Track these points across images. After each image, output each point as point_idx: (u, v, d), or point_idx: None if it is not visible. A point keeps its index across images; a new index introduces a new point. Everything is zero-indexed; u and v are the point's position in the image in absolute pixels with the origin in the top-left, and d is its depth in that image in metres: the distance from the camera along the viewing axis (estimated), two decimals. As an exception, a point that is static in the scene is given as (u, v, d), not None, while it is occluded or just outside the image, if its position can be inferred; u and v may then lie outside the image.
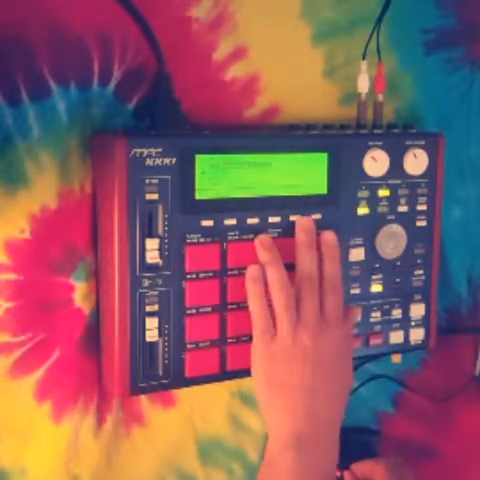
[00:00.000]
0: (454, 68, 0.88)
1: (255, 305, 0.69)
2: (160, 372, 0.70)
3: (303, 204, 0.74)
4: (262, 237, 0.70)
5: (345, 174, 0.75)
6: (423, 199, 0.80)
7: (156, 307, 0.69)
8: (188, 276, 0.69)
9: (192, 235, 0.69)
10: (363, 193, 0.76)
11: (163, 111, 0.71)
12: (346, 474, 0.82)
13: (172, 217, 0.68)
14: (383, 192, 0.77)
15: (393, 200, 0.78)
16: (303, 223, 0.71)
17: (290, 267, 0.72)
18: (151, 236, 0.67)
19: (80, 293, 0.71)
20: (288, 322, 0.68)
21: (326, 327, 0.69)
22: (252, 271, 0.69)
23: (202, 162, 0.68)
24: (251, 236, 0.71)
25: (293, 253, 0.73)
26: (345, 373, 0.71)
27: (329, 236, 0.72)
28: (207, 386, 0.74)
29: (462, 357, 0.95)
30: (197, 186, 0.69)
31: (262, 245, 0.70)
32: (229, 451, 0.82)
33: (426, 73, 0.86)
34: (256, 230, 0.72)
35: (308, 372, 0.67)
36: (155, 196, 0.67)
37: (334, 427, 0.68)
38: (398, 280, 0.80)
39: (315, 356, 0.68)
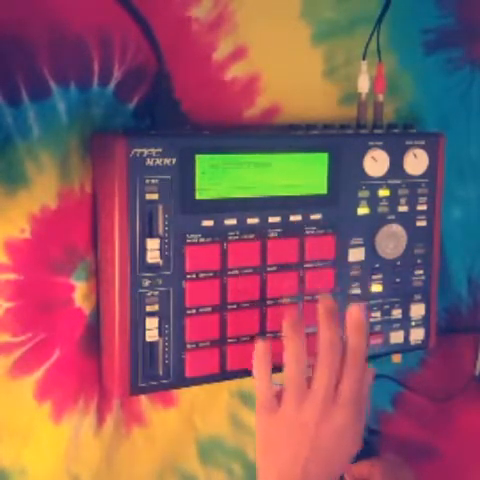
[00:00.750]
0: (454, 68, 0.88)
1: (258, 379, 0.66)
2: (160, 372, 0.70)
3: (303, 204, 0.74)
4: (291, 314, 0.66)
5: (345, 174, 0.75)
6: (423, 199, 0.80)
7: (156, 307, 0.69)
8: (188, 276, 0.69)
9: (192, 235, 0.69)
10: (363, 193, 0.76)
11: (163, 111, 0.71)
12: (346, 474, 0.82)
13: (172, 217, 0.68)
14: (383, 192, 0.77)
15: (393, 200, 0.78)
16: (324, 300, 0.67)
17: (286, 267, 0.72)
18: (151, 236, 0.67)
19: (80, 293, 0.71)
20: (293, 396, 0.65)
21: (333, 408, 0.65)
22: (260, 347, 0.66)
23: (202, 162, 0.68)
24: (251, 236, 0.71)
25: (293, 254, 0.73)
26: (343, 456, 0.67)
27: (355, 310, 0.67)
28: (207, 386, 0.74)
29: (462, 357, 0.95)
30: (197, 186, 0.69)
31: (288, 319, 0.66)
32: (229, 451, 0.82)
33: (426, 73, 0.86)
34: (256, 230, 0.72)
35: (303, 443, 0.65)
36: (155, 196, 0.67)
37: None
38: (398, 280, 0.80)
39: (315, 432, 0.65)
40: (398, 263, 0.79)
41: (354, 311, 0.67)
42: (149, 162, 0.66)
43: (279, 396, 0.66)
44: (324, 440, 0.65)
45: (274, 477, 0.66)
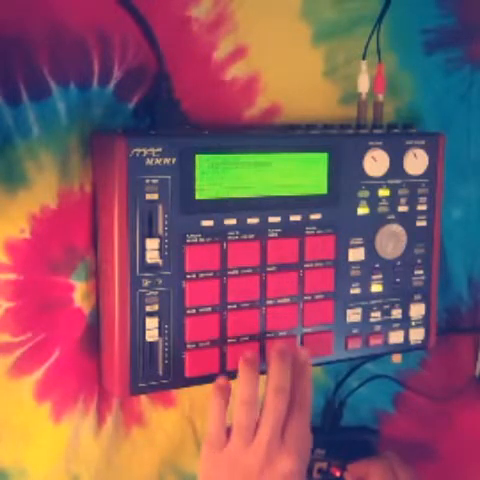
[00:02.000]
0: (454, 68, 0.87)
1: (212, 415, 0.67)
2: (160, 372, 0.70)
3: (303, 204, 0.74)
4: (247, 354, 0.67)
5: (345, 174, 0.75)
6: (423, 199, 0.80)
7: (156, 307, 0.69)
8: (188, 276, 0.69)
9: (192, 235, 0.69)
10: (363, 193, 0.76)
11: (163, 111, 0.71)
12: (346, 474, 0.82)
13: (172, 217, 0.68)
14: (383, 192, 0.77)
15: (393, 200, 0.78)
16: (277, 344, 0.68)
17: (286, 267, 0.72)
18: (151, 236, 0.67)
19: (80, 293, 0.71)
20: (239, 439, 0.65)
21: (279, 454, 0.64)
22: (220, 381, 0.67)
23: (202, 162, 0.68)
24: (251, 236, 0.71)
25: (293, 254, 0.73)
26: None
27: (303, 353, 0.68)
28: (207, 386, 0.74)
29: (462, 357, 0.95)
30: (197, 186, 0.69)
31: (244, 359, 0.67)
32: (229, 451, 0.82)
33: (426, 73, 0.86)
34: (256, 230, 0.72)
35: None
36: (155, 196, 0.67)
37: None
38: (398, 280, 0.80)
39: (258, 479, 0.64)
40: (398, 263, 0.79)
41: (300, 355, 0.68)
42: (149, 162, 0.66)
43: (228, 435, 0.66)
44: None
45: None
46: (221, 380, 0.68)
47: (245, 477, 0.65)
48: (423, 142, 0.78)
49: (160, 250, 0.68)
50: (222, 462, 0.66)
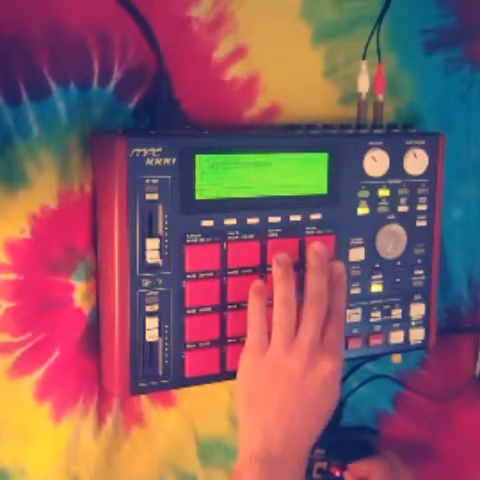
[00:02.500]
0: (454, 68, 0.87)
1: (252, 318, 0.69)
2: (160, 372, 0.70)
3: (303, 204, 0.74)
4: (280, 255, 0.70)
5: (345, 174, 0.75)
6: (423, 199, 0.80)
7: (156, 307, 0.69)
8: (188, 276, 0.69)
9: (192, 235, 0.69)
10: (363, 193, 0.76)
11: (163, 111, 0.71)
12: (346, 474, 0.82)
13: (172, 217, 0.68)
14: (383, 192, 0.77)
15: (393, 200, 0.78)
16: (317, 247, 0.71)
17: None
18: (151, 236, 0.67)
19: (80, 293, 0.71)
20: (281, 340, 0.67)
21: (320, 356, 0.67)
22: (256, 284, 0.70)
23: (202, 162, 0.68)
24: (251, 236, 0.71)
25: (293, 254, 0.73)
26: (326, 404, 0.69)
27: (339, 266, 0.71)
28: (207, 386, 0.74)
29: (462, 357, 0.95)
30: (197, 186, 0.68)
31: (278, 261, 0.70)
32: (229, 451, 0.82)
33: (426, 73, 0.86)
34: (256, 230, 0.72)
35: (290, 396, 0.67)
36: (155, 196, 0.67)
37: (303, 451, 0.67)
38: (398, 280, 0.80)
39: (301, 382, 0.67)
40: (398, 263, 0.79)
41: (336, 267, 0.71)
42: (149, 162, 0.66)
43: (269, 339, 0.68)
44: (309, 391, 0.67)
45: (258, 433, 0.66)
46: (258, 282, 0.70)
47: (288, 379, 0.67)
48: (423, 142, 0.78)
49: (160, 250, 0.68)
50: (264, 366, 0.68)
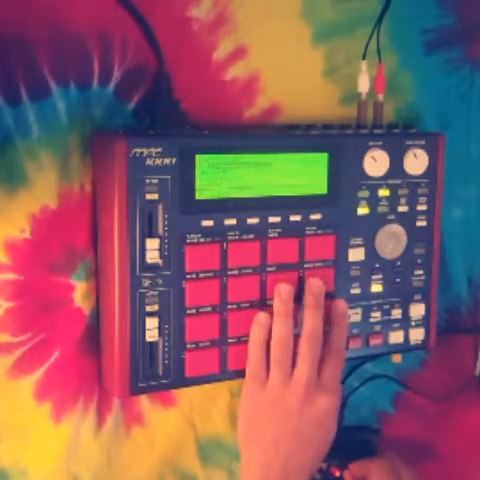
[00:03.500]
0: (454, 68, 0.87)
1: (252, 351, 0.71)
2: (160, 372, 0.70)
3: (303, 204, 0.74)
4: (283, 287, 0.71)
5: (345, 174, 0.75)
6: (423, 199, 0.80)
7: (156, 307, 0.69)
8: (188, 276, 0.69)
9: (192, 235, 0.69)
10: (363, 193, 0.76)
11: (163, 111, 0.71)
12: (346, 474, 0.82)
13: (172, 217, 0.68)
14: (383, 192, 0.77)
15: (393, 200, 0.78)
16: (313, 286, 0.72)
17: (286, 267, 0.72)
18: (151, 236, 0.67)
19: (80, 293, 0.71)
20: (278, 377, 0.69)
21: (316, 393, 0.69)
22: (260, 317, 0.71)
23: (202, 162, 0.68)
24: (251, 236, 0.71)
25: (293, 254, 0.73)
26: (323, 442, 0.71)
27: (341, 305, 0.73)
28: (207, 386, 0.74)
29: (462, 357, 0.95)
30: (197, 186, 0.68)
31: (280, 295, 0.71)
32: (229, 451, 0.82)
33: (426, 73, 0.86)
34: (256, 230, 0.72)
35: (287, 432, 0.69)
36: (155, 196, 0.67)
37: None
38: (398, 280, 0.80)
39: (297, 419, 0.69)
40: (398, 263, 0.79)
41: (339, 305, 0.73)
42: (149, 162, 0.66)
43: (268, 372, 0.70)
44: (305, 427, 0.69)
45: (257, 467, 0.69)
46: (261, 315, 0.71)
47: (285, 416, 0.69)
48: (423, 142, 0.78)
49: (160, 250, 0.68)
50: (262, 401, 0.70)
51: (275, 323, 0.70)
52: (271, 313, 0.71)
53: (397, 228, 0.78)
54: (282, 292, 0.71)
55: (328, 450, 0.72)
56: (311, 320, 0.70)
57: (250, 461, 0.70)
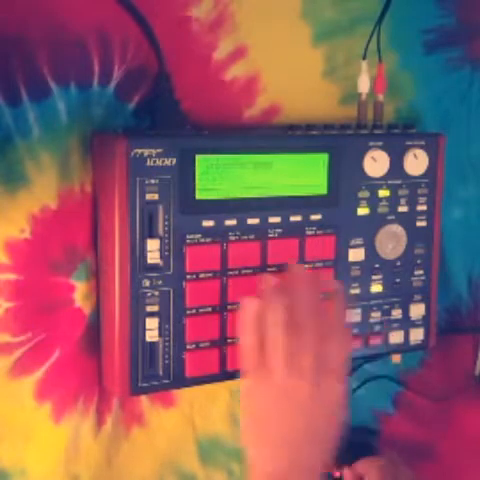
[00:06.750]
0: (454, 68, 0.87)
1: (247, 341, 0.65)
2: (160, 372, 0.70)
3: (303, 204, 0.74)
4: (268, 278, 0.67)
5: (345, 174, 0.75)
6: (423, 199, 0.80)
7: (156, 307, 0.69)
8: (188, 276, 0.69)
9: (192, 235, 0.69)
10: (363, 193, 0.76)
11: (163, 111, 0.71)
12: (345, 473, 0.82)
13: (172, 217, 0.68)
14: (383, 192, 0.77)
15: (393, 200, 0.78)
16: (299, 269, 0.69)
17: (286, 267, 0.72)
18: (151, 236, 0.67)
19: (80, 293, 0.71)
20: (282, 364, 0.63)
21: (324, 378, 0.64)
22: (249, 304, 0.65)
23: (202, 162, 0.68)
24: (251, 236, 0.71)
25: (293, 254, 0.73)
26: (333, 429, 0.65)
27: (334, 284, 0.71)
28: (207, 386, 0.74)
29: (462, 357, 0.95)
30: (197, 186, 0.68)
31: (267, 282, 0.67)
32: (229, 451, 0.82)
33: (426, 73, 0.86)
34: (256, 230, 0.72)
35: (297, 424, 0.64)
36: (155, 196, 0.67)
37: (312, 477, 0.65)
38: (398, 280, 0.80)
39: (308, 409, 0.63)
40: (398, 263, 0.79)
41: (331, 283, 0.70)
42: (149, 162, 0.66)
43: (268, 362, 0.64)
44: (317, 418, 0.64)
45: (266, 462, 0.64)
46: (250, 299, 0.65)
47: (295, 406, 0.63)
48: (423, 142, 0.78)
49: (160, 250, 0.68)
50: (269, 393, 0.64)
51: (269, 308, 0.64)
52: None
53: (397, 228, 0.78)
54: (268, 278, 0.67)
55: (338, 438, 0.66)
56: (305, 295, 0.65)
57: (258, 458, 0.65)
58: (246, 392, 0.66)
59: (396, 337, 0.80)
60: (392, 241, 0.79)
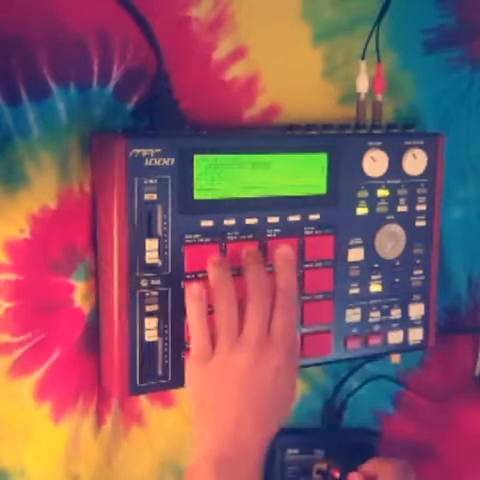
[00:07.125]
0: (454, 68, 0.87)
1: (193, 326, 0.65)
2: (159, 372, 0.70)
3: (302, 204, 0.74)
4: (214, 258, 0.67)
5: (344, 174, 0.75)
6: (422, 199, 0.80)
7: (155, 307, 0.69)
8: (187, 276, 0.69)
9: (191, 235, 0.69)
10: (362, 193, 0.76)
11: (162, 111, 0.71)
12: (354, 478, 0.81)
13: (171, 217, 0.68)
14: (382, 192, 0.77)
15: (392, 200, 0.78)
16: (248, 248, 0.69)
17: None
18: (150, 236, 0.67)
19: (80, 293, 0.71)
20: (226, 339, 0.64)
21: (267, 350, 0.64)
22: (193, 289, 0.66)
23: (201, 162, 0.68)
24: (250, 236, 0.72)
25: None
26: (280, 399, 0.66)
27: (285, 249, 0.68)
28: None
29: (462, 357, 0.95)
30: (196, 186, 0.69)
31: (213, 263, 0.67)
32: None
33: (426, 73, 0.86)
34: (255, 230, 0.72)
35: (239, 393, 0.64)
36: (154, 196, 0.67)
37: (258, 454, 0.65)
38: (397, 280, 0.80)
39: (249, 378, 0.63)
40: (397, 263, 0.79)
41: (282, 250, 0.67)
42: (148, 162, 0.66)
43: (213, 345, 0.65)
44: (259, 387, 0.64)
45: (210, 434, 0.64)
46: (194, 286, 0.66)
47: (236, 377, 0.64)
48: (422, 142, 0.78)
49: (159, 250, 0.68)
50: (211, 375, 0.64)
51: (213, 283, 0.65)
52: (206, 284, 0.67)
53: (396, 228, 0.78)
54: (214, 258, 0.67)
55: (287, 414, 0.67)
56: (253, 275, 0.65)
57: (202, 429, 0.64)
58: (191, 378, 0.66)
59: (395, 337, 0.80)
60: (391, 241, 0.79)
